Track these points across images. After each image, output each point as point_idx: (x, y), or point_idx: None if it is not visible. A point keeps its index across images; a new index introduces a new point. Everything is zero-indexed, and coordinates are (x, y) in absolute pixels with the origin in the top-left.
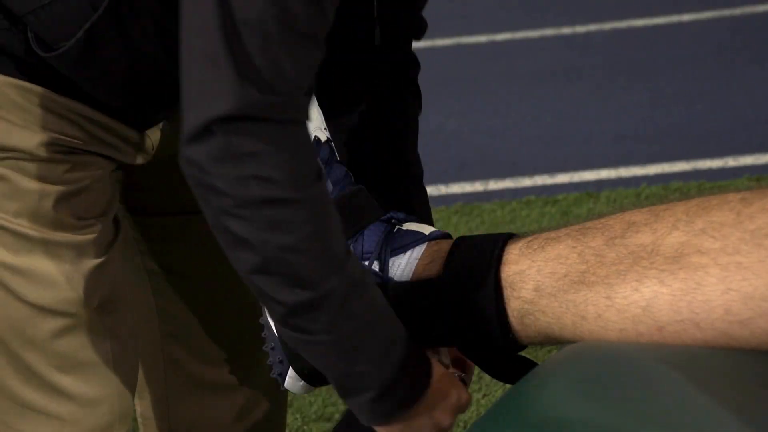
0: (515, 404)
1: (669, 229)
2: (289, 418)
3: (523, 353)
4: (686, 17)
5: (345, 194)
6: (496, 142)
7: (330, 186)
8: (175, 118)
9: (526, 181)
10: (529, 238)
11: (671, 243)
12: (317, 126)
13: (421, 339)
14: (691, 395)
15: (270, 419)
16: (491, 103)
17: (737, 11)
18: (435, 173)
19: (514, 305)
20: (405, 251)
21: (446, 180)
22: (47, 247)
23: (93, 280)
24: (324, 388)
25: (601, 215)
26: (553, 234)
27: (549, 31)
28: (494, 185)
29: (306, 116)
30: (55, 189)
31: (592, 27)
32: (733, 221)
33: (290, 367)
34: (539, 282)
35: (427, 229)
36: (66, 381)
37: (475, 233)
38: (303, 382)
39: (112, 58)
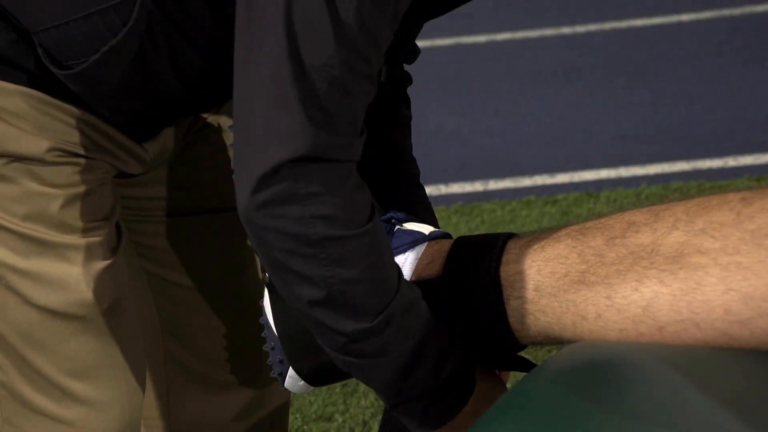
0: (515, 404)
1: (669, 229)
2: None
3: (523, 353)
4: (686, 17)
5: None
6: (496, 142)
7: None
8: (173, 124)
9: (526, 181)
10: (529, 238)
11: (671, 243)
12: None
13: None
14: (691, 395)
15: (272, 419)
16: (491, 103)
17: (737, 11)
18: (435, 173)
19: (514, 305)
20: (405, 251)
21: (446, 180)
22: (56, 250)
23: (102, 282)
24: (324, 388)
25: (601, 215)
26: (553, 234)
27: (549, 31)
28: (494, 185)
29: (359, 156)
30: (62, 192)
31: (592, 27)
32: (733, 221)
33: (290, 367)
34: (539, 282)
35: (426, 229)
36: (76, 385)
37: (475, 233)
38: (303, 381)
39: (123, 81)
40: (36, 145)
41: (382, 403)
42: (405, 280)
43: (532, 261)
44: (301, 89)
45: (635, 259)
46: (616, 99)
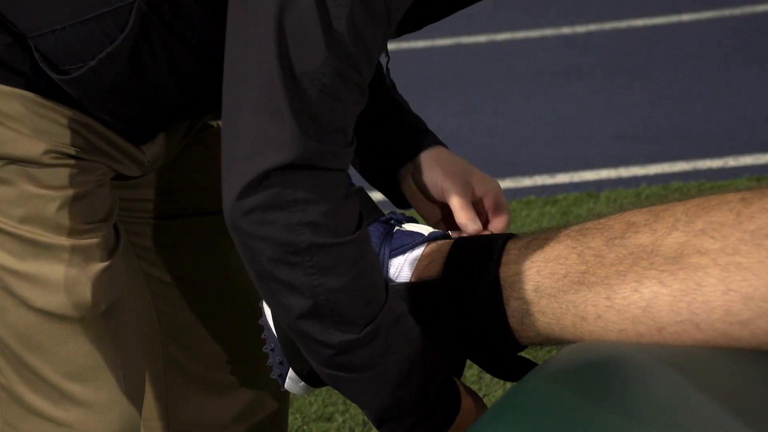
0: (515, 404)
1: (669, 230)
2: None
3: (523, 353)
4: (686, 17)
5: None
6: (496, 142)
7: None
8: (170, 128)
9: (526, 181)
10: (529, 239)
11: (671, 243)
12: None
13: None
14: (691, 395)
15: (272, 420)
16: (491, 103)
17: (737, 11)
18: None
19: (513, 306)
20: (404, 252)
21: None
22: (53, 251)
23: (100, 284)
24: (324, 389)
25: (601, 215)
26: (552, 234)
27: (549, 31)
28: None
29: (348, 164)
30: (59, 194)
31: (592, 27)
32: (733, 221)
33: (290, 368)
34: (539, 282)
35: (426, 230)
36: (74, 387)
37: None
38: (303, 383)
39: (121, 85)
40: (33, 147)
41: None
42: (393, 293)
43: (532, 262)
44: (291, 96)
45: (635, 259)
46: (616, 99)
